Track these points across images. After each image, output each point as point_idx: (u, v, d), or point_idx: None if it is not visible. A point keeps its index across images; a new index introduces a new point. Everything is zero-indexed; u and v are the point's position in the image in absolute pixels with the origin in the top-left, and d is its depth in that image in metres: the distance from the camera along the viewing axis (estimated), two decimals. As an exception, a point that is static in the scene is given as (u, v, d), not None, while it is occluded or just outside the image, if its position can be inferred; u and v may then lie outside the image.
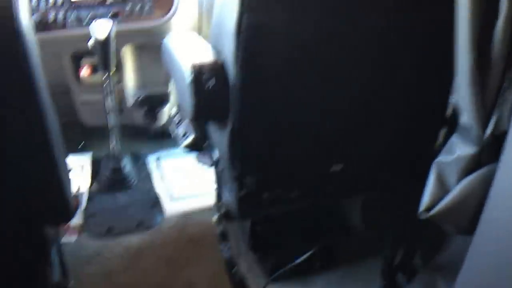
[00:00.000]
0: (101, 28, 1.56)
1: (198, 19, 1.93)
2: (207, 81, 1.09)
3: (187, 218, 1.98)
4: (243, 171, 1.22)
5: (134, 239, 1.87)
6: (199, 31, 1.96)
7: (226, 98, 1.11)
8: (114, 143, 1.98)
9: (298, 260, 1.60)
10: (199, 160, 2.03)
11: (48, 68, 1.94)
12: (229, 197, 1.37)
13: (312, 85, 1.12)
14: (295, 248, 1.67)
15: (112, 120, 1.92)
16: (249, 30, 1.00)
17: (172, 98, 2.08)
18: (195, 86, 1.11)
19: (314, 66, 1.09)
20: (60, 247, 1.35)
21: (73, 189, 2.01)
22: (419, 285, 1.46)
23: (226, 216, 1.56)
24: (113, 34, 1.59)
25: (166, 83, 2.03)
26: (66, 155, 1.16)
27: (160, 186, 2.13)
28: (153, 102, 2.04)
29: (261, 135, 1.16)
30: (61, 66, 1.92)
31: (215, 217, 1.60)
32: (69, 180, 1.15)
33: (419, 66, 1.16)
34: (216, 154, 1.40)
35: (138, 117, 2.08)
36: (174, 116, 1.50)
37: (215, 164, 1.44)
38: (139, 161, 2.27)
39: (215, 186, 1.58)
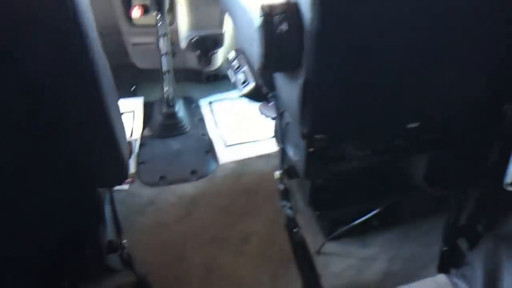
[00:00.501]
0: None
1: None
2: (279, 25, 0.95)
3: (242, 166, 1.90)
4: (314, 127, 1.10)
5: (187, 188, 1.82)
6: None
7: (299, 45, 0.97)
8: (167, 88, 1.89)
9: (358, 221, 1.51)
10: (261, 112, 1.92)
11: (97, 9, 1.86)
12: (294, 154, 1.27)
13: (393, 40, 0.97)
14: (355, 207, 1.57)
15: (165, 63, 1.82)
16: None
17: (227, 40, 1.95)
18: (264, 31, 0.97)
19: (396, 20, 0.94)
20: (114, 204, 1.29)
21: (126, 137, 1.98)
22: (481, 253, 1.35)
23: (288, 173, 1.46)
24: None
25: (221, 24, 1.90)
26: (121, 113, 1.07)
27: (214, 131, 2.05)
28: (207, 44, 1.91)
29: (337, 89, 1.03)
30: (111, 5, 1.81)
31: (277, 173, 1.50)
32: (125, 140, 1.07)
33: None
34: (281, 106, 1.28)
35: (192, 60, 1.97)
36: (233, 60, 1.36)
37: (279, 117, 1.32)
38: (192, 105, 2.18)
39: (277, 140, 1.47)
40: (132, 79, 2.19)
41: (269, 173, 1.77)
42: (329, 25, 0.92)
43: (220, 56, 2.00)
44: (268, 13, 0.95)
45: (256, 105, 1.95)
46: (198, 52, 1.90)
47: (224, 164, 1.91)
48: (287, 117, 1.28)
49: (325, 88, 1.02)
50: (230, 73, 1.39)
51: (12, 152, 0.84)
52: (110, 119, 0.91)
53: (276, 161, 1.52)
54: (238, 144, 1.99)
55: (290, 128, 1.28)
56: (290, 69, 1.04)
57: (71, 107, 0.88)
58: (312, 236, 1.60)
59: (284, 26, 0.94)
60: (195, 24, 1.90)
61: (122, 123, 1.07)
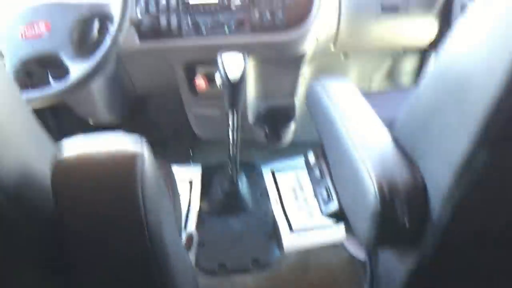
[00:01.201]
0: (232, 65, 1.23)
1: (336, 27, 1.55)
2: (401, 215, 0.73)
3: (309, 256, 1.70)
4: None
5: (249, 280, 1.63)
6: (334, 41, 1.58)
7: (418, 228, 0.75)
8: (232, 165, 1.70)
9: None
10: (346, 246, 1.68)
11: (158, 76, 1.72)
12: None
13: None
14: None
15: (231, 137, 1.62)
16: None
17: (300, 110, 1.74)
18: (381, 218, 0.76)
19: None
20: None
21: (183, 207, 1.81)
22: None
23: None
24: (247, 72, 1.25)
25: (292, 94, 1.69)
26: None
27: (278, 211, 1.85)
28: (277, 117, 1.71)
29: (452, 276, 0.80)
30: (172, 72, 1.64)
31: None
32: None
33: None
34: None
35: (259, 134, 1.77)
36: (314, 167, 1.16)
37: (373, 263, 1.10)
38: (254, 173, 1.98)
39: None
40: (189, 142, 2.02)
41: (339, 269, 1.56)
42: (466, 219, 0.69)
43: (291, 130, 1.79)
44: (390, 199, 0.73)
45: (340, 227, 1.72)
46: (266, 128, 1.70)
47: (288, 253, 1.71)
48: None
49: (437, 273, 0.79)
50: (312, 180, 1.19)
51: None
52: None
53: (347, 254, 1.29)
54: (304, 229, 1.78)
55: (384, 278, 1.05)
56: (403, 246, 0.82)
57: None
58: None
59: (406, 215, 0.73)
60: (264, 94, 1.70)
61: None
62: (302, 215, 1.83)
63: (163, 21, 1.46)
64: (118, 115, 1.79)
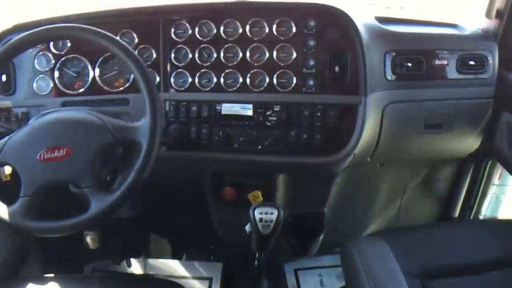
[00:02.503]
0: (264, 220, 1.14)
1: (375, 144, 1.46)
2: None
3: None
4: None
5: None
6: (372, 155, 1.48)
7: None
8: (256, 275, 1.59)
9: None
10: None
11: (183, 176, 1.64)
12: None
13: None
14: None
15: (258, 248, 1.52)
16: None
17: (327, 221, 1.64)
18: None
19: None
20: None
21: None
22: None
23: None
24: (279, 226, 1.16)
25: (323, 203, 1.59)
26: None
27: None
28: (304, 227, 1.61)
29: None
30: (199, 176, 1.55)
31: None
32: None
33: None
34: None
35: (286, 244, 1.67)
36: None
37: None
38: (277, 272, 1.88)
39: None
40: (210, 237, 1.93)
41: None
42: None
43: (319, 241, 1.69)
44: None
45: None
46: (293, 240, 1.60)
47: None
48: None
49: None
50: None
51: None
52: None
53: None
54: None
55: None
56: None
57: None
58: None
59: None
60: (293, 201, 1.61)
61: None
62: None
63: (192, 131, 1.38)
64: (138, 210, 1.71)
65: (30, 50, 1.39)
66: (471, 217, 1.82)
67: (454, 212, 1.86)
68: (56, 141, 1.12)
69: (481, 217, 1.80)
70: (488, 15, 1.54)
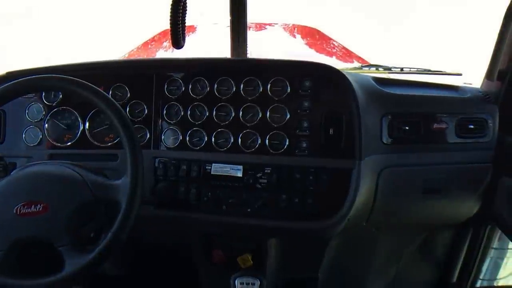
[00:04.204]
0: None
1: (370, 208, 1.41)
2: None
3: None
4: None
5: None
6: (367, 219, 1.42)
7: None
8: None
9: None
10: None
11: (170, 237, 1.57)
12: None
13: None
14: None
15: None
16: None
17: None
18: None
19: None
20: None
21: None
22: None
23: None
24: None
25: (316, 267, 1.52)
26: None
27: None
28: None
29: None
30: (187, 238, 1.49)
31: None
32: None
33: None
34: None
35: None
36: None
37: None
38: None
39: None
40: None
41: None
42: None
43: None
44: None
45: None
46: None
47: None
48: None
49: None
50: None
51: None
52: None
53: None
54: None
55: None
56: None
57: None
58: None
59: None
60: (285, 266, 1.54)
61: None
62: None
63: (181, 190, 1.34)
64: (124, 267, 1.64)
65: (23, 100, 1.37)
66: (470, 282, 1.74)
67: (453, 277, 1.78)
68: (34, 196, 1.09)
69: (480, 282, 1.73)
70: (489, 77, 1.52)
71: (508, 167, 1.44)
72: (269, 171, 1.30)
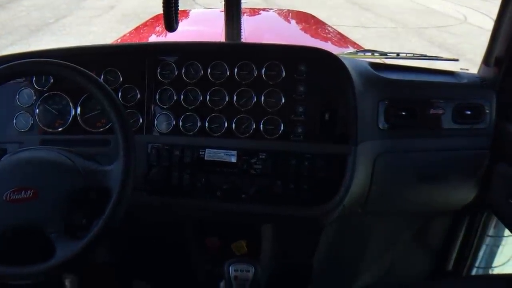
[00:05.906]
0: (240, 275, 1.06)
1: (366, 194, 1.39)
2: None
3: None
4: None
5: None
6: (363, 205, 1.41)
7: None
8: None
9: None
10: None
11: (164, 225, 1.56)
12: None
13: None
14: None
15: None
16: None
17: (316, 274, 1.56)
18: None
19: None
20: None
21: None
22: None
23: None
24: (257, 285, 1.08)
25: (311, 253, 1.51)
26: None
27: None
28: (291, 281, 1.53)
29: None
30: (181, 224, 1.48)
31: None
32: None
33: None
34: None
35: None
36: None
37: None
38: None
39: None
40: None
41: None
42: None
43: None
44: None
45: None
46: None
47: None
48: None
49: None
50: None
51: None
52: None
53: None
54: None
55: None
56: None
57: None
58: None
59: None
60: (279, 252, 1.52)
61: None
62: None
63: (174, 176, 1.31)
64: (117, 255, 1.62)
65: (13, 85, 1.35)
66: (466, 270, 1.74)
67: (449, 265, 1.77)
68: (24, 182, 1.07)
69: (475, 269, 1.72)
70: (486, 62, 1.50)
71: (505, 154, 1.43)
72: (263, 156, 1.28)
